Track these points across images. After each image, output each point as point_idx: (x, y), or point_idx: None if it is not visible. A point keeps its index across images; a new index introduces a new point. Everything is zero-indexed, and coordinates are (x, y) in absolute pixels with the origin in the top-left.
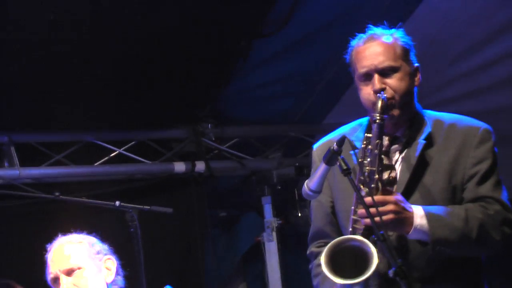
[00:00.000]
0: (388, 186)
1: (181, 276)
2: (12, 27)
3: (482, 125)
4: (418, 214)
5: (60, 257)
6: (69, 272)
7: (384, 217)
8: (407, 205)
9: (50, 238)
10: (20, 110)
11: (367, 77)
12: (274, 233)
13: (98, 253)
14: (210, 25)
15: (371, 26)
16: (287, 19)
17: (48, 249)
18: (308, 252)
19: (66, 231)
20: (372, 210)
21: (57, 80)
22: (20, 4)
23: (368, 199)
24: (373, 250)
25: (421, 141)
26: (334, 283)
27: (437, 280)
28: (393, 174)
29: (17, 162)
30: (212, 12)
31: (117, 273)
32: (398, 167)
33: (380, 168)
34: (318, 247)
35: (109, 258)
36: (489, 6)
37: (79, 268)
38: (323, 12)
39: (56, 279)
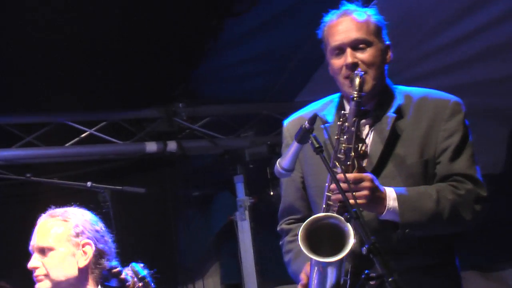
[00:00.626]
0: (359, 159)
1: (154, 256)
2: None
3: (452, 97)
4: (391, 196)
5: (40, 232)
6: (41, 250)
7: (358, 194)
8: (380, 186)
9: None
10: None
11: (340, 50)
12: (246, 212)
13: (78, 235)
14: (181, 4)
15: (344, 2)
16: None
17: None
18: (278, 228)
19: (42, 211)
20: (346, 187)
21: (27, 61)
22: None
23: (341, 177)
24: (350, 229)
25: (391, 114)
26: (308, 260)
27: (409, 256)
28: (363, 148)
29: None
30: None
31: (96, 258)
32: (368, 140)
33: (357, 146)
34: (289, 224)
35: (87, 243)
36: None
37: (51, 249)
38: None
39: (32, 252)
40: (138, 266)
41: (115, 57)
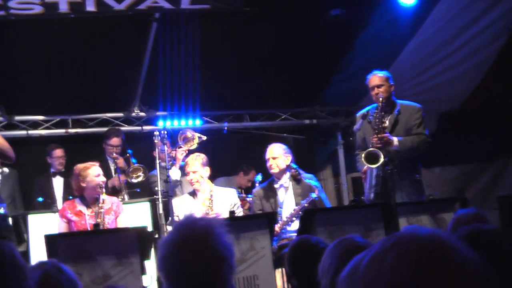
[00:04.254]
0: (384, 129)
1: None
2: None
3: (418, 105)
4: (395, 140)
5: (269, 150)
6: (194, 172)
7: (383, 140)
8: (391, 137)
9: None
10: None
11: (373, 88)
12: (342, 145)
13: (204, 164)
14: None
15: (373, 70)
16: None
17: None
18: (355, 153)
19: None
20: (379, 138)
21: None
22: None
23: (377, 136)
24: (381, 154)
25: (395, 112)
26: (365, 165)
27: (402, 164)
28: (385, 125)
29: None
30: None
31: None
32: (387, 123)
33: (382, 124)
34: (359, 152)
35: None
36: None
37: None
38: (360, 63)
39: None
40: (295, 165)
41: (283, 82)
